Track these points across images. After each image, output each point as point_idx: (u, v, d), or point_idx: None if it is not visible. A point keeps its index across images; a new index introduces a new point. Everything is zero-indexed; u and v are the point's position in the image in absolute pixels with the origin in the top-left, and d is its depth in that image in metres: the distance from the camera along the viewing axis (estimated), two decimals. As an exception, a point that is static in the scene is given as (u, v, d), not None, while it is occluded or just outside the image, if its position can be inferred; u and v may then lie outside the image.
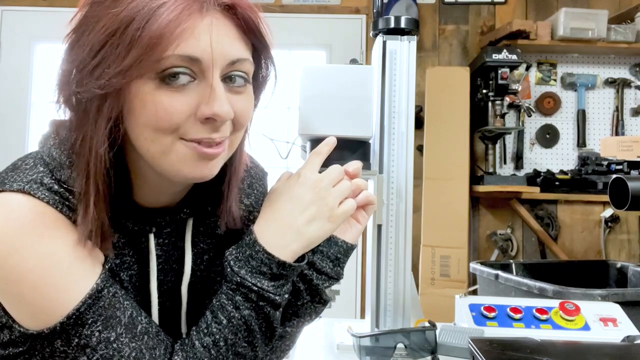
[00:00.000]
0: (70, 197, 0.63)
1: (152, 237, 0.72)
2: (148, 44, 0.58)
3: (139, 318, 0.66)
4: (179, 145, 0.63)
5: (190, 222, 0.76)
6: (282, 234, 0.69)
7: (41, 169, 0.65)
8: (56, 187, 0.63)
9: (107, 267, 0.65)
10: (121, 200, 0.67)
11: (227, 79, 0.64)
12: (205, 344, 0.66)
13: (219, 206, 0.75)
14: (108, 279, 0.64)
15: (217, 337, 0.66)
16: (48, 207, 0.62)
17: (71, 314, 0.60)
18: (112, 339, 0.62)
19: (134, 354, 0.63)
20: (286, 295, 0.69)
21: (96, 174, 0.62)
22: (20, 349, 0.65)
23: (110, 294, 0.64)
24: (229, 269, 0.67)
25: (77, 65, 0.62)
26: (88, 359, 0.62)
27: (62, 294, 0.61)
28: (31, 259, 0.60)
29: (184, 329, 0.75)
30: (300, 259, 0.71)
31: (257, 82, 0.72)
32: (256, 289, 0.65)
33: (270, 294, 0.66)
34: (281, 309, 0.69)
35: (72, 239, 0.62)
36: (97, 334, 0.62)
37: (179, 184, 0.71)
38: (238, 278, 0.65)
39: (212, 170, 0.66)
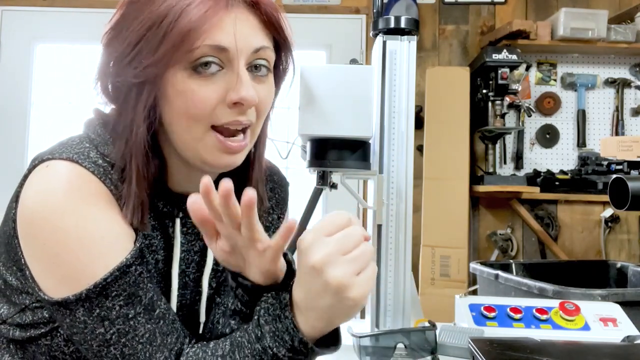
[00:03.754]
0: (112, 171, 0.68)
1: (178, 221, 0.75)
2: (179, 36, 0.64)
3: (159, 302, 0.67)
4: (209, 136, 0.68)
5: None
6: (314, 316, 0.63)
7: (87, 144, 0.69)
8: (100, 161, 0.68)
9: (138, 244, 0.67)
10: (156, 183, 0.72)
11: (251, 67, 0.70)
12: None
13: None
14: (138, 257, 0.67)
15: None
16: (93, 177, 0.66)
17: (98, 283, 0.62)
18: (130, 316, 0.64)
19: (147, 335, 0.64)
20: None
21: (137, 155, 0.67)
22: (42, 330, 0.67)
23: (137, 272, 0.66)
24: (256, 317, 0.64)
25: (115, 57, 0.68)
26: (105, 331, 0.63)
27: (94, 261, 0.63)
28: (72, 222, 0.63)
29: (202, 318, 0.77)
30: (331, 341, 0.66)
31: (278, 73, 0.77)
32: (271, 353, 0.62)
33: None
34: None
35: (110, 210, 0.66)
36: (117, 308, 0.63)
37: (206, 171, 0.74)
38: (259, 332, 0.63)
39: (236, 160, 0.71)
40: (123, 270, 0.64)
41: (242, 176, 0.79)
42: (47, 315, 0.67)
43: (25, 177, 0.67)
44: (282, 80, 0.79)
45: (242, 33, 0.67)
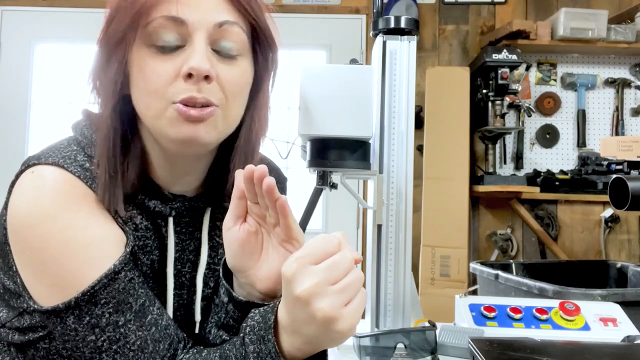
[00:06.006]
0: None
1: (171, 220, 0.74)
2: (137, 9, 0.64)
3: (151, 308, 0.67)
4: (169, 110, 0.66)
5: (207, 213, 0.78)
6: (300, 340, 0.60)
7: (74, 147, 0.69)
8: (87, 164, 0.67)
9: (128, 249, 0.66)
10: (146, 183, 0.71)
11: (218, 48, 0.68)
12: None
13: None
14: (128, 262, 0.66)
15: None
16: (79, 182, 0.66)
17: (86, 291, 0.62)
18: (120, 323, 0.64)
19: (138, 342, 0.64)
20: None
21: (102, 130, 0.67)
22: (40, 333, 0.67)
23: (127, 278, 0.65)
24: (242, 334, 0.63)
25: (97, 47, 0.69)
26: (96, 339, 0.63)
27: (81, 268, 0.63)
28: (58, 230, 0.62)
29: (197, 318, 0.77)
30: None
31: (258, 60, 0.74)
32: None
33: None
34: None
35: (98, 215, 0.66)
36: (107, 315, 0.63)
37: (186, 159, 0.73)
38: (244, 351, 0.62)
39: (198, 131, 0.66)
40: (111, 276, 0.63)
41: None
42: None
43: (13, 182, 0.67)
44: (267, 70, 0.76)
45: (203, 6, 0.66)
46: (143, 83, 0.66)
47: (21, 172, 0.67)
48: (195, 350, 0.67)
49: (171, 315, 0.73)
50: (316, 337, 0.58)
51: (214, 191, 0.79)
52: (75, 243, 0.63)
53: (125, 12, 0.65)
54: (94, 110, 0.74)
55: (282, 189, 0.93)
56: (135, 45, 0.66)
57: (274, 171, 0.92)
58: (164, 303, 0.73)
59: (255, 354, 0.61)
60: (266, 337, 0.60)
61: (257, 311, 0.64)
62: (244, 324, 0.64)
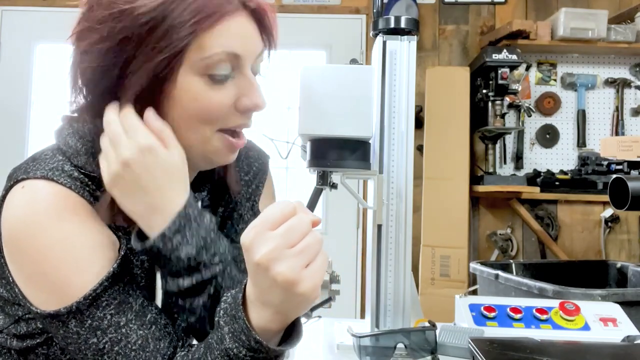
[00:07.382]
0: (89, 182, 0.68)
1: None
2: (195, 41, 0.63)
3: (150, 307, 0.67)
4: (216, 137, 0.70)
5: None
6: (270, 311, 0.61)
7: (60, 157, 0.69)
8: (76, 173, 0.68)
9: (122, 253, 0.67)
10: None
11: (252, 71, 0.71)
12: None
13: (223, 180, 0.82)
14: (124, 264, 0.67)
15: None
16: (71, 192, 0.66)
17: (88, 295, 0.63)
18: (122, 323, 0.64)
19: (140, 342, 0.64)
20: None
21: None
22: (38, 340, 0.67)
23: (126, 279, 0.66)
24: (217, 318, 0.63)
25: (102, 55, 0.64)
26: (98, 341, 0.63)
27: (81, 274, 0.63)
28: (55, 239, 0.63)
29: None
30: (295, 333, 0.65)
31: None
32: (233, 354, 0.61)
33: None
34: None
35: (91, 222, 0.66)
36: (109, 317, 0.64)
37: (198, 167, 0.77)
38: (220, 334, 0.62)
39: (235, 156, 0.74)
40: (111, 279, 0.64)
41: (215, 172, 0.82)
42: (40, 326, 0.67)
43: (4, 197, 0.67)
44: None
45: (249, 37, 0.69)
46: (197, 110, 0.67)
47: (10, 187, 0.67)
48: (188, 349, 0.68)
49: None
50: (282, 303, 0.59)
51: (201, 186, 0.80)
52: (74, 252, 0.63)
53: (177, 33, 0.63)
54: (71, 114, 0.72)
55: (264, 164, 0.93)
56: (182, 70, 0.65)
57: (254, 150, 0.92)
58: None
59: (230, 334, 0.61)
60: (237, 315, 0.61)
61: (229, 293, 0.64)
62: (218, 308, 0.64)
